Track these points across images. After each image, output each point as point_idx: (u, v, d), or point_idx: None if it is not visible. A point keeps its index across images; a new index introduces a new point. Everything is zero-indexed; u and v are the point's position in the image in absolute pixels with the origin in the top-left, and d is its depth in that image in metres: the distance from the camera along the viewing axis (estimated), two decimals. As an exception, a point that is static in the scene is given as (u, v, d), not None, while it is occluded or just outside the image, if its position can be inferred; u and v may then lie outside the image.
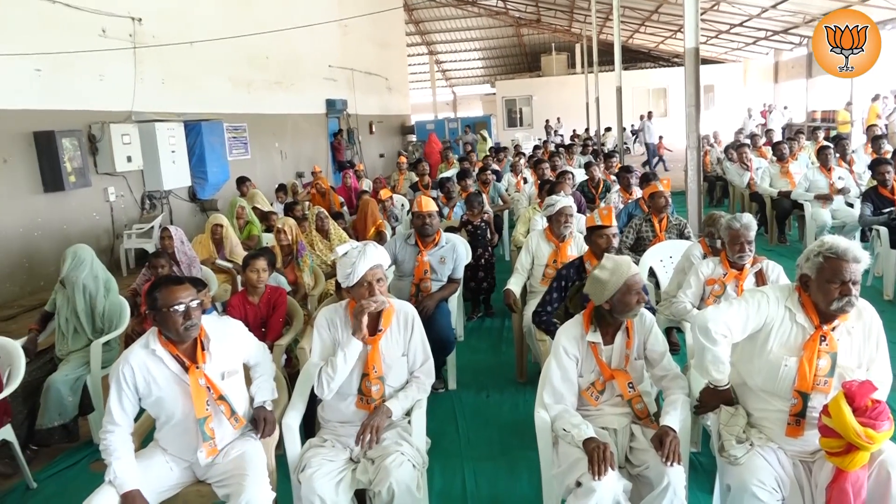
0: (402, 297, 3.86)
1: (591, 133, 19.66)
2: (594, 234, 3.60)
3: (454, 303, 4.41)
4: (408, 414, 2.68)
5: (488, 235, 5.92)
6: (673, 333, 4.38)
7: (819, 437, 2.09)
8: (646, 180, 6.21)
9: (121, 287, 4.13)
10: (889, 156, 7.21)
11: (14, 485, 3.39)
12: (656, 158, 17.36)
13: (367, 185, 10.21)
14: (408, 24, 27.45)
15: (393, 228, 6.94)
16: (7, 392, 3.15)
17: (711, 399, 2.44)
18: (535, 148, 16.00)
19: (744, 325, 2.32)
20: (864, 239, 6.21)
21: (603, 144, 17.89)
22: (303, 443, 2.63)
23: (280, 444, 2.63)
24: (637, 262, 3.93)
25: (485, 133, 19.27)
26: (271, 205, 8.31)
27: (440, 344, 3.66)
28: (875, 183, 5.80)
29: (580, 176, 8.34)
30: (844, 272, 2.16)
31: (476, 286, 5.56)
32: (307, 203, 8.01)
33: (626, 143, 17.41)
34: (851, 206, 6.63)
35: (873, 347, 2.29)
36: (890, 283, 5.36)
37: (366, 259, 2.59)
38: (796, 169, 7.58)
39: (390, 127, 21.07)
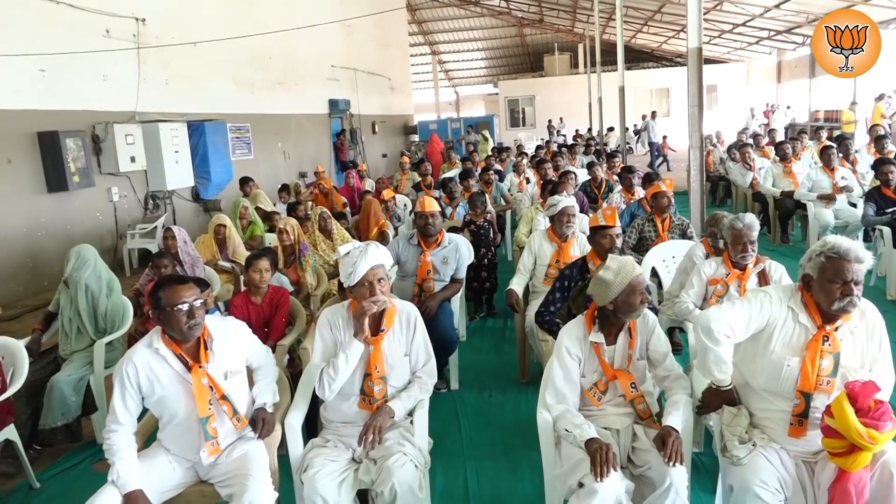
0: (405, 297, 3.87)
1: (594, 133, 19.66)
2: (598, 234, 3.59)
3: (457, 303, 4.42)
4: (410, 414, 2.68)
5: (491, 235, 5.93)
6: (675, 334, 4.38)
7: (821, 438, 2.09)
8: (648, 180, 6.21)
9: (124, 287, 4.14)
10: (892, 156, 7.19)
11: (17, 484, 3.39)
12: (660, 158, 17.34)
13: (369, 185, 10.23)
14: (411, 24, 27.47)
15: (395, 229, 6.94)
16: (10, 392, 3.15)
17: (714, 399, 2.44)
18: (538, 148, 16.04)
19: (746, 325, 2.32)
20: (867, 239, 6.20)
21: (605, 144, 17.88)
22: (305, 443, 2.63)
23: (282, 445, 2.63)
24: (640, 263, 3.93)
25: (486, 133, 19.28)
26: (274, 205, 8.32)
27: (442, 344, 3.67)
28: (878, 183, 5.79)
29: (583, 176, 8.34)
30: (846, 272, 2.15)
31: (479, 286, 5.56)
32: (310, 203, 8.02)
33: (628, 143, 17.40)
34: (854, 206, 6.63)
35: (876, 348, 2.29)
36: (893, 284, 5.34)
37: (367, 259, 2.59)
38: (799, 169, 7.57)
39: (393, 127, 21.08)
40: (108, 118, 8.59)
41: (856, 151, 8.10)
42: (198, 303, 2.42)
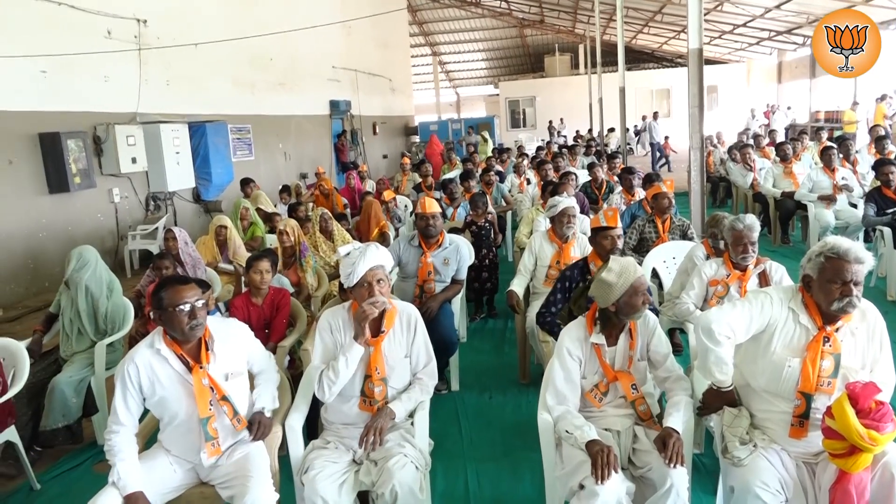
0: (405, 298, 3.87)
1: (595, 134, 19.66)
2: (599, 235, 3.59)
3: (457, 304, 4.42)
4: (411, 415, 2.68)
5: (492, 236, 5.93)
6: (676, 335, 4.38)
7: (822, 439, 2.09)
8: (649, 181, 6.21)
9: (125, 288, 4.14)
10: (893, 156, 7.19)
11: (18, 486, 3.40)
12: (662, 158, 17.33)
13: (370, 186, 10.23)
14: (411, 24, 27.47)
15: (396, 230, 6.94)
16: (11, 393, 3.15)
17: (715, 400, 2.44)
18: (539, 149, 16.03)
19: (747, 326, 2.32)
20: (867, 240, 6.19)
21: (606, 145, 17.87)
22: (306, 444, 2.63)
23: (283, 446, 2.63)
24: (640, 263, 3.92)
25: (486, 134, 19.28)
26: (275, 206, 8.33)
27: (443, 345, 3.67)
28: (879, 183, 5.79)
29: (583, 177, 8.34)
30: (846, 272, 2.15)
31: (479, 287, 5.56)
32: (311, 204, 8.03)
33: (628, 144, 17.39)
34: (855, 206, 6.62)
35: (877, 348, 2.29)
36: (893, 284, 5.34)
37: (366, 259, 2.60)
38: (800, 169, 7.57)
39: (394, 128, 21.08)
40: (109, 119, 8.61)
41: (856, 152, 8.09)
42: (199, 303, 2.43)
